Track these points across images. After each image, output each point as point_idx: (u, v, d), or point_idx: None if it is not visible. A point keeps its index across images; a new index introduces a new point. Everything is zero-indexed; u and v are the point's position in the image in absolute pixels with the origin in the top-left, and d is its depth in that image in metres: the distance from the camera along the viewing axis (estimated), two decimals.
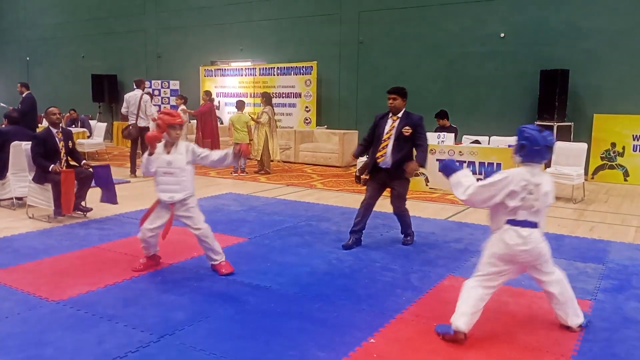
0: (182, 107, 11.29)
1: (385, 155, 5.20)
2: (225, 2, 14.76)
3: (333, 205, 7.28)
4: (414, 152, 5.29)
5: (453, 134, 8.57)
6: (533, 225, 3.16)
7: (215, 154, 4.37)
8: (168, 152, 4.29)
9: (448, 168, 3.38)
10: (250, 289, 4.04)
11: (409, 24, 12.10)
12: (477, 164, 8.10)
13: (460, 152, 8.29)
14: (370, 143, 5.39)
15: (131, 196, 7.66)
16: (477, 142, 8.83)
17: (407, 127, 5.16)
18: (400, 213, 5.38)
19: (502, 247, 3.18)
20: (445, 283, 4.25)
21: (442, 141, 8.48)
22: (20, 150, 6.34)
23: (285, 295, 3.92)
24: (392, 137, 5.19)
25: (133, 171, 9.85)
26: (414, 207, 7.27)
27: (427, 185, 8.55)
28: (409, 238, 5.46)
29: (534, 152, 3.08)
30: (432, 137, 8.65)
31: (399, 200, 5.33)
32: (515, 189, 3.09)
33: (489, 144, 8.96)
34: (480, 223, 6.14)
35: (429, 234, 5.79)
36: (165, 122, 4.19)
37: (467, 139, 9.08)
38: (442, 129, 9.00)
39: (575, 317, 3.37)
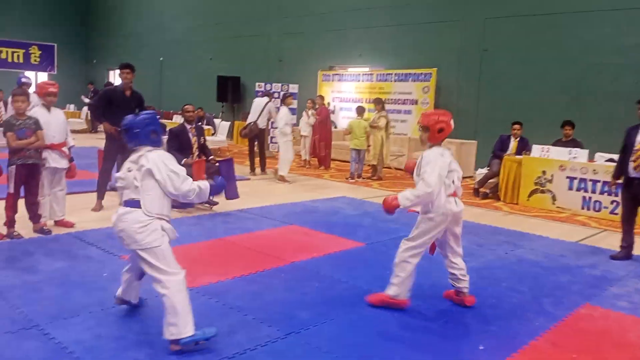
0: (312, 111, 11.61)
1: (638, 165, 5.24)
2: (346, 8, 14.93)
3: None
4: None
5: (587, 151, 7.91)
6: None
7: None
8: None
9: None
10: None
11: (538, 31, 11.40)
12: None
13: (594, 170, 7.66)
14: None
15: (252, 193, 7.96)
16: (612, 160, 8.09)
17: None
18: None
19: None
20: (582, 312, 3.91)
21: (574, 157, 7.88)
22: None
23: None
24: None
25: (252, 169, 10.24)
26: (540, 227, 6.83)
27: (554, 204, 7.98)
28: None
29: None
30: (561, 153, 8.08)
31: None
32: None
33: None
34: (616, 249, 5.57)
35: (559, 257, 5.37)
36: (430, 124, 3.72)
37: (601, 157, 8.36)
38: (564, 142, 8.34)
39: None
